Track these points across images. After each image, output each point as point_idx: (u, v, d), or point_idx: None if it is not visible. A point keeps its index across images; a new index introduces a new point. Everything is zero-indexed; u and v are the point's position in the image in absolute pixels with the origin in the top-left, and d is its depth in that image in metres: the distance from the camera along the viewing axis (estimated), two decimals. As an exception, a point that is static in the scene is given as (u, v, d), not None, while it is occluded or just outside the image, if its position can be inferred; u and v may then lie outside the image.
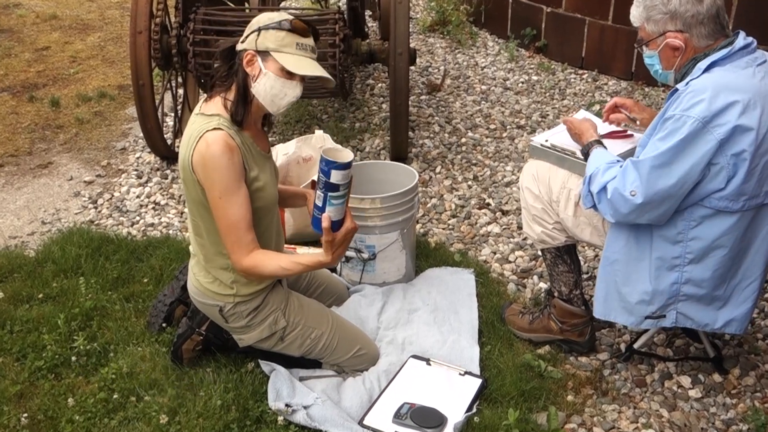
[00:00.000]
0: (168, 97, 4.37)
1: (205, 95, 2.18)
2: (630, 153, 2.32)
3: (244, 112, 2.09)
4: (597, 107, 4.46)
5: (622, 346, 2.58)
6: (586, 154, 2.25)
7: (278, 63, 2.04)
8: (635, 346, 2.49)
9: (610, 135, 2.45)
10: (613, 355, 2.55)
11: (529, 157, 2.53)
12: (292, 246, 2.99)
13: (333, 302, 2.66)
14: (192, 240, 2.29)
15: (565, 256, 2.47)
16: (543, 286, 2.92)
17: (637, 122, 2.43)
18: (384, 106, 4.56)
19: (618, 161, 2.13)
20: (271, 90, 2.07)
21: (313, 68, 2.08)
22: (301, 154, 3.29)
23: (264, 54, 2.05)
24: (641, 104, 2.47)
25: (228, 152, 2.01)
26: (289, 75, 2.06)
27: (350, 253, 2.76)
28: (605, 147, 2.25)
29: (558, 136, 2.48)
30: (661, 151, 1.97)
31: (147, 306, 2.73)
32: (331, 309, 2.55)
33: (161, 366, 2.43)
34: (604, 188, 2.08)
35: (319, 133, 3.42)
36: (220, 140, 2.00)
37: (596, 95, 4.74)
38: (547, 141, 2.45)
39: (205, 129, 2.03)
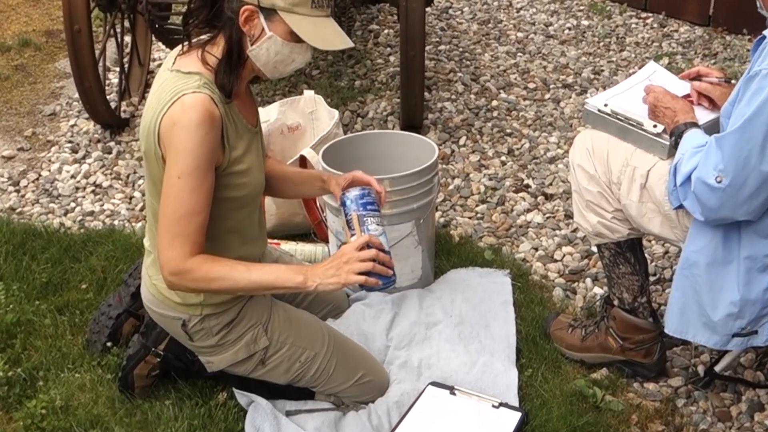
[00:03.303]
0: (111, 47, 4.35)
1: (178, 50, 2.14)
2: (714, 126, 2.29)
3: (235, 81, 2.09)
4: (666, 60, 4.44)
5: (700, 369, 2.59)
6: (678, 137, 2.22)
7: (288, 26, 2.03)
8: (717, 368, 2.50)
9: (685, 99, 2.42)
10: (689, 381, 2.56)
11: (582, 125, 2.51)
12: (276, 241, 2.99)
13: (328, 314, 2.67)
14: (149, 232, 2.28)
15: (628, 254, 2.46)
16: (599, 291, 2.92)
17: (732, 81, 2.40)
18: (392, 58, 4.56)
19: (708, 143, 2.10)
20: (275, 56, 2.08)
21: (335, 36, 2.09)
22: (285, 121, 3.28)
23: (269, 12, 2.03)
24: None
25: (208, 123, 1.99)
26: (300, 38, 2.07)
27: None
28: (700, 128, 2.22)
29: (620, 99, 2.46)
30: (747, 117, 1.95)
31: (86, 319, 2.73)
32: (327, 323, 2.54)
33: (106, 397, 2.43)
34: (688, 179, 2.08)
35: (308, 94, 3.41)
36: (200, 106, 1.99)
37: (664, 45, 4.73)
38: (606, 105, 2.43)
39: (183, 90, 2.01)
